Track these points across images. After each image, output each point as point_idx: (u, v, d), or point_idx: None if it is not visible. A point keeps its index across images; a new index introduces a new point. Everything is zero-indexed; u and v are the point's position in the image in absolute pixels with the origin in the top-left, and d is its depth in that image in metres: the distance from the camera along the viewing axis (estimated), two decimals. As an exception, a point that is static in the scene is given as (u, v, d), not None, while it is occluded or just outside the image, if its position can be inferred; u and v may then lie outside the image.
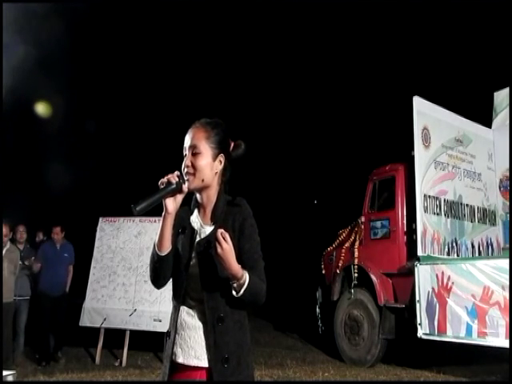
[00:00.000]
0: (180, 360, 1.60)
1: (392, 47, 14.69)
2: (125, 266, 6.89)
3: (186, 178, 1.60)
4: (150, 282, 1.69)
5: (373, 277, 6.53)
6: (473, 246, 6.64)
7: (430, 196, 6.10)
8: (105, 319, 6.60)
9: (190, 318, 1.61)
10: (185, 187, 1.58)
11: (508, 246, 6.43)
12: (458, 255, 6.26)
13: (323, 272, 7.64)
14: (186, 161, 1.63)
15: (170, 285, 1.70)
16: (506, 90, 6.97)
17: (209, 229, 1.64)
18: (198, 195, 1.69)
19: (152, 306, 6.54)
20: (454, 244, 6.32)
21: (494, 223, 7.14)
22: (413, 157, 6.04)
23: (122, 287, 6.78)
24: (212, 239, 1.54)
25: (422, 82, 11.39)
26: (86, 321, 6.70)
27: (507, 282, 4.91)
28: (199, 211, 1.70)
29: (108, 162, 15.68)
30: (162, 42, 15.97)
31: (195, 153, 1.62)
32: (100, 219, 7.32)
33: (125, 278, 6.83)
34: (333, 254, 7.42)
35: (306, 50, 17.02)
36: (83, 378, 5.52)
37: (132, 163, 15.77)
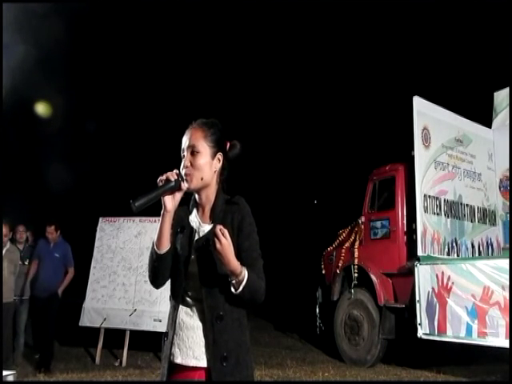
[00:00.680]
0: (178, 360, 1.60)
1: (392, 47, 14.69)
2: (125, 266, 6.89)
3: (185, 178, 1.60)
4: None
5: (373, 277, 6.53)
6: (473, 246, 6.64)
7: (429, 196, 6.09)
8: (105, 319, 6.60)
9: (188, 318, 1.61)
10: (183, 185, 1.59)
11: (508, 245, 6.43)
12: (457, 255, 6.26)
13: (323, 272, 7.64)
14: (185, 161, 1.63)
15: (170, 285, 1.70)
16: (506, 90, 6.97)
17: (207, 227, 1.64)
18: (196, 195, 1.69)
19: (152, 306, 6.54)
20: (454, 244, 6.32)
21: (493, 223, 7.14)
22: (413, 157, 6.04)
23: (122, 287, 6.78)
24: (211, 237, 1.54)
25: (422, 82, 11.39)
26: (85, 321, 6.69)
27: (507, 282, 4.90)
28: (198, 210, 1.70)
29: (108, 162, 15.69)
30: (161, 43, 15.98)
31: (194, 152, 1.63)
32: (100, 219, 7.32)
33: (125, 278, 6.82)
34: (333, 254, 7.42)
35: (305, 50, 17.03)
36: (83, 378, 5.52)
37: (132, 163, 15.77)
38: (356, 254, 6.78)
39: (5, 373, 2.83)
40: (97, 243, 7.16)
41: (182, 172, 1.62)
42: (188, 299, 1.62)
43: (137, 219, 7.06)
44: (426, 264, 5.66)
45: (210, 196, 1.67)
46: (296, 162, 16.78)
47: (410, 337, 5.86)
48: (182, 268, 1.62)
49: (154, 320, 6.41)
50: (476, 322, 5.11)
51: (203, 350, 1.57)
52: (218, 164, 1.67)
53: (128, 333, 6.55)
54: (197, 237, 1.65)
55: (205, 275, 1.58)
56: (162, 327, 6.16)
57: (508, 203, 7.03)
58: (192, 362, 1.57)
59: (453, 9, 13.05)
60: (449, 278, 5.40)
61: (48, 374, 5.77)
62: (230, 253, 1.48)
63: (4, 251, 5.67)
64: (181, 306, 1.63)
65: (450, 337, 5.32)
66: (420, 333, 5.58)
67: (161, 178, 1.56)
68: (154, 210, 1.66)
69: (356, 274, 6.70)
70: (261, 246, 1.64)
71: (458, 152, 6.71)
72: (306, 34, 16.94)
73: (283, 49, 16.99)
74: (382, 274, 6.54)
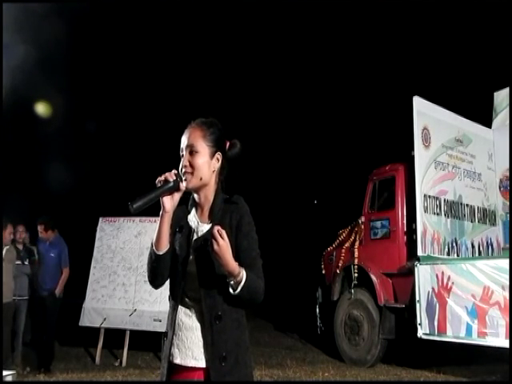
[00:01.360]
0: (177, 361, 1.60)
1: (392, 47, 14.69)
2: (125, 266, 6.89)
3: (184, 178, 1.60)
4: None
5: (373, 277, 6.53)
6: (473, 246, 6.63)
7: (429, 196, 6.09)
8: (105, 319, 6.60)
9: (187, 319, 1.61)
10: (182, 185, 1.58)
11: (508, 245, 6.43)
12: (457, 255, 6.26)
13: (323, 272, 7.64)
14: (184, 161, 1.63)
15: (168, 285, 1.70)
16: (506, 90, 6.97)
17: (206, 227, 1.64)
18: (195, 194, 1.69)
19: (152, 306, 6.54)
20: (454, 244, 6.32)
21: (494, 223, 7.14)
22: (413, 157, 6.04)
23: (122, 287, 6.78)
24: (209, 237, 1.53)
25: (422, 82, 11.39)
26: (85, 321, 6.69)
27: (507, 282, 4.90)
28: (196, 210, 1.70)
29: (108, 162, 15.69)
30: (161, 43, 15.98)
31: (193, 152, 1.62)
32: (100, 219, 7.32)
33: (125, 278, 6.82)
34: (333, 254, 7.42)
35: (305, 50, 17.03)
36: (83, 378, 5.52)
37: (132, 163, 15.77)
38: (356, 254, 6.78)
39: (4, 373, 2.84)
40: (97, 243, 7.16)
41: (181, 172, 1.61)
42: (187, 299, 1.62)
43: (137, 219, 7.07)
44: (426, 264, 5.66)
45: (208, 196, 1.66)
46: (296, 162, 16.78)
47: (410, 337, 5.85)
48: (181, 268, 1.61)
49: (154, 320, 6.41)
50: (476, 322, 5.10)
51: (202, 350, 1.57)
52: (216, 164, 1.67)
53: (128, 333, 6.55)
54: (195, 237, 1.64)
55: (203, 275, 1.58)
56: (161, 327, 6.15)
57: (508, 203, 7.03)
58: (191, 363, 1.57)
59: (453, 9, 13.06)
60: (449, 278, 5.40)
61: (48, 374, 5.78)
62: (228, 254, 1.48)
63: (4, 251, 5.68)
64: (180, 307, 1.63)
65: (450, 337, 5.32)
66: (420, 333, 5.57)
67: (159, 178, 1.56)
68: (153, 210, 1.66)
69: (356, 274, 6.70)
70: (260, 246, 1.64)
71: (457, 152, 6.71)
72: (305, 34, 16.95)
73: (283, 49, 17.01)
74: (382, 274, 6.54)
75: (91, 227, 7.34)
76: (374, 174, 7.09)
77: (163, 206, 1.57)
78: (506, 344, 4.82)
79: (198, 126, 1.67)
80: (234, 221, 1.61)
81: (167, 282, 1.69)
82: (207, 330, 1.56)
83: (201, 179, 1.62)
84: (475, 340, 5.12)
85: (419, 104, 6.20)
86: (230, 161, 1.72)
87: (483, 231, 6.90)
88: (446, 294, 5.39)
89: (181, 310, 1.63)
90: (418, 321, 5.61)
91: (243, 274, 1.51)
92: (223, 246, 1.47)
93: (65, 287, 6.41)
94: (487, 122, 7.35)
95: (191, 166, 1.61)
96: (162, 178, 1.56)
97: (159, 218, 1.58)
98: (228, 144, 1.72)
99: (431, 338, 5.52)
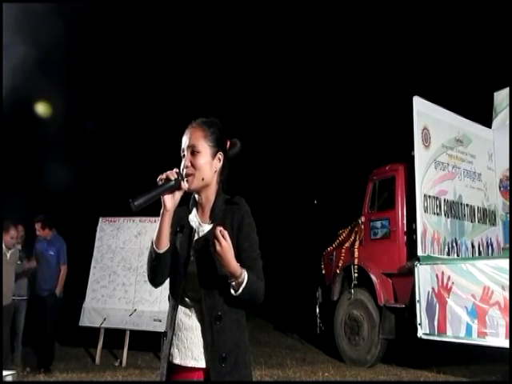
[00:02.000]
0: (177, 361, 1.60)
1: (392, 47, 14.69)
2: (125, 266, 6.89)
3: (185, 179, 1.60)
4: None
5: (373, 277, 6.53)
6: (473, 246, 6.63)
7: (429, 196, 6.09)
8: (105, 319, 6.60)
9: (187, 319, 1.61)
10: (183, 184, 1.58)
11: (508, 245, 6.43)
12: (457, 255, 6.26)
13: (323, 272, 7.64)
14: (186, 161, 1.63)
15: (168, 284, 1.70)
16: (506, 90, 6.97)
17: (207, 227, 1.64)
18: (196, 194, 1.69)
19: (152, 306, 6.54)
20: (454, 244, 6.32)
21: (494, 223, 7.14)
22: (413, 157, 6.04)
23: (122, 287, 6.78)
24: (210, 237, 1.53)
25: (422, 82, 11.39)
26: (85, 321, 6.69)
27: (507, 282, 4.90)
28: (198, 210, 1.70)
29: (108, 162, 15.68)
30: (161, 43, 15.98)
31: (194, 152, 1.62)
32: (100, 219, 7.32)
33: (125, 278, 6.83)
34: (333, 254, 7.42)
35: (305, 49, 17.03)
36: (83, 378, 5.52)
37: (132, 163, 15.77)
38: (356, 254, 6.78)
39: (4, 373, 2.84)
40: (97, 243, 7.16)
41: (183, 172, 1.61)
42: (187, 299, 1.62)
43: (137, 219, 7.07)
44: (426, 264, 5.66)
45: (209, 196, 1.66)
46: (296, 162, 16.77)
47: (410, 337, 5.85)
48: (181, 268, 1.61)
49: (154, 320, 6.41)
50: (476, 321, 5.10)
51: (202, 350, 1.57)
52: (218, 163, 1.66)
53: (128, 333, 6.55)
54: (196, 237, 1.64)
55: (204, 276, 1.58)
56: (161, 327, 6.15)
57: (508, 203, 7.03)
58: (191, 363, 1.57)
59: (453, 9, 13.05)
60: (449, 278, 5.40)
61: (48, 374, 5.77)
62: (230, 255, 1.48)
63: (9, 254, 5.64)
64: (180, 307, 1.63)
65: (449, 337, 5.32)
66: (420, 333, 5.57)
67: (161, 176, 1.56)
68: (153, 209, 1.66)
69: (356, 274, 6.70)
70: (261, 247, 1.64)
71: (457, 152, 6.71)
72: (305, 34, 16.94)
73: (283, 49, 17.00)
74: (382, 274, 6.54)
75: (91, 227, 7.34)
76: (374, 174, 7.10)
77: (164, 205, 1.57)
78: (506, 344, 4.82)
79: (198, 125, 1.66)
80: (235, 222, 1.61)
81: (167, 282, 1.68)
82: (207, 331, 1.56)
83: (203, 180, 1.62)
84: (475, 340, 5.12)
85: (419, 104, 6.20)
86: (232, 160, 1.72)
87: (483, 231, 6.90)
88: (446, 294, 5.39)
89: (180, 309, 1.63)
90: (418, 321, 5.60)
91: (245, 275, 1.51)
92: (226, 246, 1.47)
93: (65, 287, 6.38)
94: (487, 122, 7.35)
95: (193, 166, 1.61)
96: (164, 176, 1.56)
97: (160, 217, 1.58)
98: (228, 143, 1.72)
99: (431, 337, 5.52)
